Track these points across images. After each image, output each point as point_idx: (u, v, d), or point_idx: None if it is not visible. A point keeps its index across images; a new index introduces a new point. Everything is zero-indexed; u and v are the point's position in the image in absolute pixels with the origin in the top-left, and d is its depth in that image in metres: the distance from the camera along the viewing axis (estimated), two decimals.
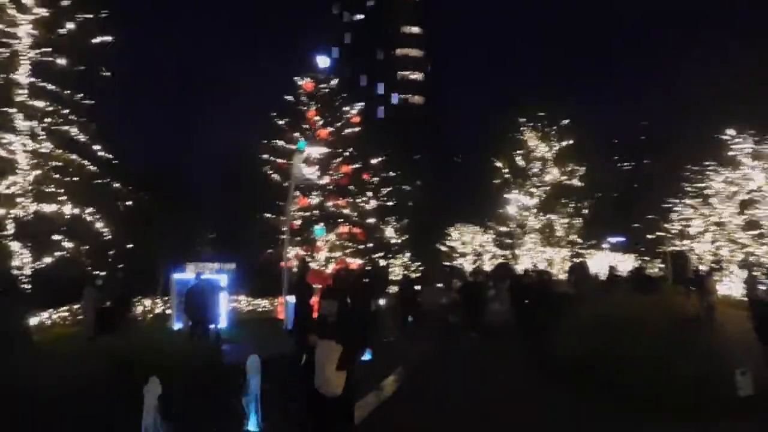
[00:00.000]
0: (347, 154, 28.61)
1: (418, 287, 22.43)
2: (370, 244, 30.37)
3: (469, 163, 60.28)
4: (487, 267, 44.19)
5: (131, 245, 20.90)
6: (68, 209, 19.66)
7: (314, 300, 25.02)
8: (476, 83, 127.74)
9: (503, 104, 47.03)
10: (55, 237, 19.60)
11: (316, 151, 24.00)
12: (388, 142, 46.49)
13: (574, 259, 39.15)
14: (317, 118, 28.83)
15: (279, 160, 27.75)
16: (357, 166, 29.35)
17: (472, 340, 16.56)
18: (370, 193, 30.93)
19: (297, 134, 27.98)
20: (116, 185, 20.62)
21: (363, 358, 14.06)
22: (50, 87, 19.74)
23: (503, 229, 45.27)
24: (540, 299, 15.88)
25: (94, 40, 20.12)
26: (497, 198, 44.30)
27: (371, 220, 30.71)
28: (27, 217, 19.23)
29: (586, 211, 43.14)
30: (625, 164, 58.65)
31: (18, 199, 19.14)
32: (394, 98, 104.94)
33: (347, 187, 28.93)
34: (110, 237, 20.40)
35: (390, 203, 38.34)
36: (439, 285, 23.53)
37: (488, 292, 19.61)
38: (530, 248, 43.94)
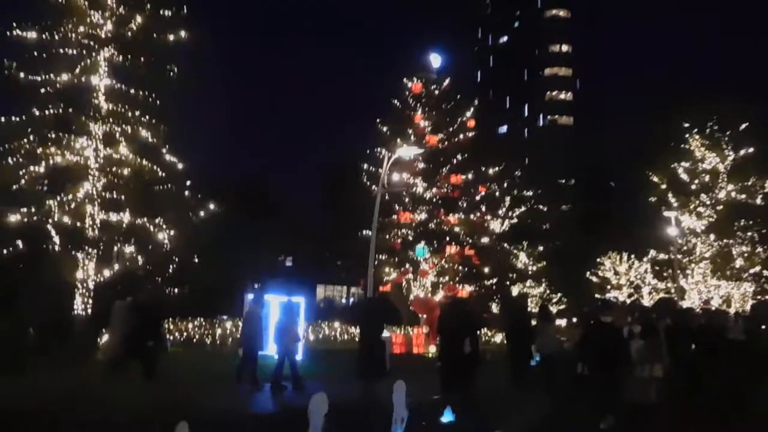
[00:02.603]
0: (455, 161, 24.31)
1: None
2: (486, 269, 25.59)
3: (623, 183, 53.46)
4: (647, 302, 37.10)
5: (198, 259, 18.43)
6: (136, 219, 17.72)
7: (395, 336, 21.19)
8: (629, 95, 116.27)
9: (662, 112, 39.69)
10: (126, 248, 17.71)
11: (411, 153, 20.15)
12: (532, 161, 41.51)
13: (759, 297, 31.09)
14: (426, 122, 25.00)
15: (381, 171, 24.21)
16: (470, 176, 24.92)
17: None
18: (483, 207, 26.21)
19: (401, 141, 24.35)
20: (187, 194, 18.35)
21: (443, 419, 9.73)
22: (125, 88, 18.11)
23: (662, 256, 37.77)
24: (713, 352, 10.24)
25: (170, 37, 18.34)
26: (654, 220, 37.08)
27: (485, 240, 25.97)
28: (94, 227, 17.50)
29: None
30: None
31: (87, 207, 17.51)
32: (541, 120, 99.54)
33: (458, 202, 24.59)
34: (181, 251, 18.17)
35: (515, 221, 33.09)
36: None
37: (630, 344, 11.66)
38: (699, 281, 36.03)
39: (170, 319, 17.83)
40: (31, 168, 16.95)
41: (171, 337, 17.68)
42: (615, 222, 46.65)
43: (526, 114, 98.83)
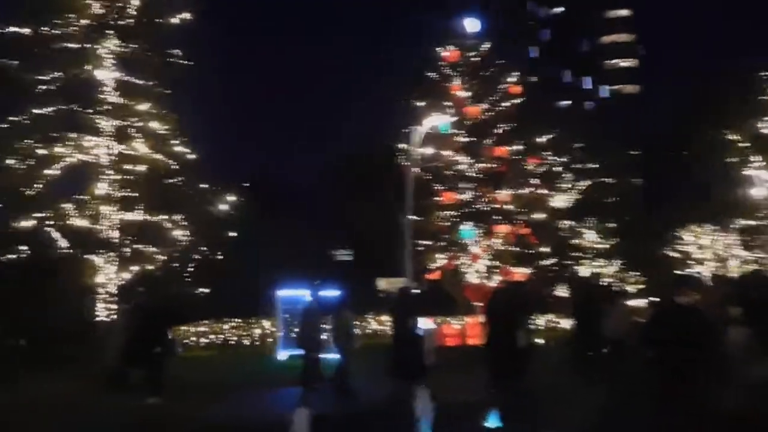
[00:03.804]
0: (500, 132, 22.09)
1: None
2: (545, 248, 23.22)
3: (698, 148, 49.48)
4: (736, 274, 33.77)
5: (224, 256, 17.24)
6: (153, 216, 16.74)
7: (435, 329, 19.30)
8: (697, 55, 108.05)
9: (734, 66, 35.94)
10: (146, 248, 16.72)
11: (443, 122, 18.23)
12: (593, 133, 38.54)
13: None
14: (465, 93, 22.90)
15: (419, 150, 22.26)
16: (519, 148, 22.62)
17: None
18: (537, 180, 23.77)
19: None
20: (203, 186, 17.18)
21: (487, 424, 8.31)
22: (131, 79, 17.08)
23: (751, 222, 34.14)
24: None
25: (173, 20, 17.20)
26: (736, 183, 33.46)
27: (541, 216, 23.55)
28: (112, 228, 16.58)
29: None
30: None
31: (102, 208, 16.61)
32: (603, 91, 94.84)
33: (506, 176, 22.38)
34: (202, 247, 17.09)
35: (579, 196, 30.38)
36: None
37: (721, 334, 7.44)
38: None
39: (189, 322, 16.72)
40: (45, 171, 16.24)
41: (189, 341, 16.59)
42: (692, 192, 43.22)
43: (587, 86, 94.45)
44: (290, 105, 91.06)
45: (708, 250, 39.84)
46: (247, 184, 26.49)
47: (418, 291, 21.62)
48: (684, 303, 6.44)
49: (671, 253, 40.41)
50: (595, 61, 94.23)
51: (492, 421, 8.56)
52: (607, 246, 36.22)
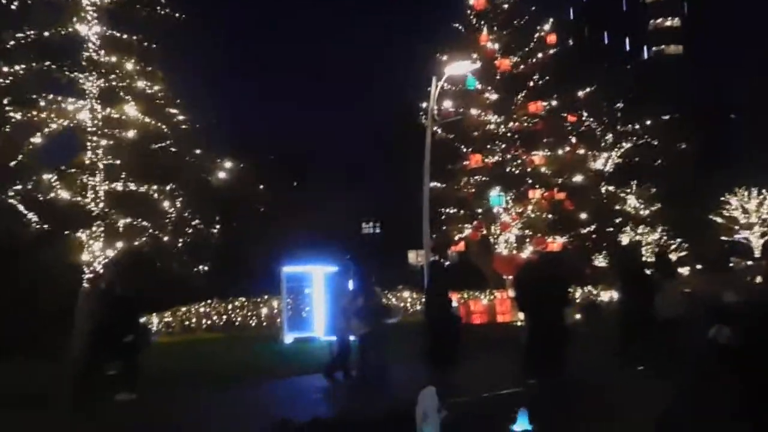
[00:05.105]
0: (533, 85, 19.75)
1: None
2: (583, 214, 20.97)
3: (750, 110, 46.19)
4: None
5: (220, 230, 15.58)
6: (142, 186, 15.14)
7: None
8: (747, 12, 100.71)
9: None
10: (134, 222, 15.17)
11: (462, 71, 16.08)
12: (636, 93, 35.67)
13: None
14: (494, 44, 20.60)
15: (444, 109, 20.09)
16: (554, 103, 20.25)
17: None
18: (574, 139, 21.39)
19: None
20: (197, 152, 15.43)
21: (515, 428, 6.31)
22: (117, 34, 15.33)
23: None
24: None
25: None
26: None
27: (579, 178, 21.23)
28: (98, 201, 15.02)
29: None
30: None
31: (87, 179, 15.05)
32: (645, 52, 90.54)
33: (541, 136, 20.11)
34: (200, 223, 15.45)
35: (619, 160, 27.89)
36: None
37: None
38: None
39: (179, 304, 15.17)
40: (30, 139, 14.73)
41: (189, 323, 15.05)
42: (741, 155, 40.88)
43: (628, 48, 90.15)
44: (313, 70, 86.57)
45: (755, 215, 38.10)
46: (272, 156, 24.75)
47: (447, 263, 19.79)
48: None
49: (717, 219, 38.57)
50: (636, 21, 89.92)
51: (521, 424, 6.81)
52: (648, 212, 33.85)
